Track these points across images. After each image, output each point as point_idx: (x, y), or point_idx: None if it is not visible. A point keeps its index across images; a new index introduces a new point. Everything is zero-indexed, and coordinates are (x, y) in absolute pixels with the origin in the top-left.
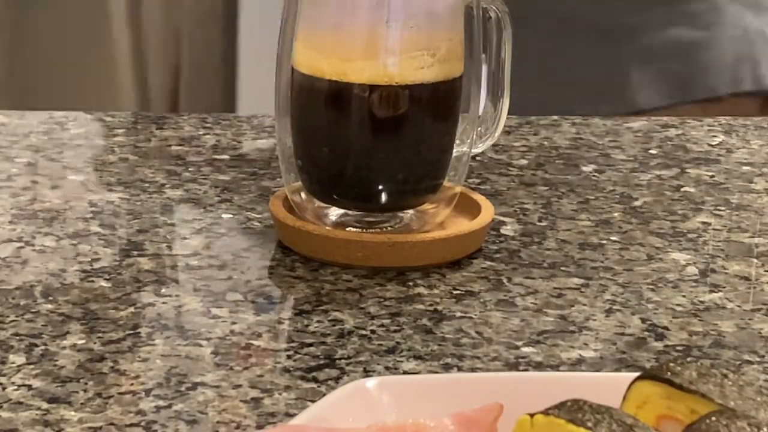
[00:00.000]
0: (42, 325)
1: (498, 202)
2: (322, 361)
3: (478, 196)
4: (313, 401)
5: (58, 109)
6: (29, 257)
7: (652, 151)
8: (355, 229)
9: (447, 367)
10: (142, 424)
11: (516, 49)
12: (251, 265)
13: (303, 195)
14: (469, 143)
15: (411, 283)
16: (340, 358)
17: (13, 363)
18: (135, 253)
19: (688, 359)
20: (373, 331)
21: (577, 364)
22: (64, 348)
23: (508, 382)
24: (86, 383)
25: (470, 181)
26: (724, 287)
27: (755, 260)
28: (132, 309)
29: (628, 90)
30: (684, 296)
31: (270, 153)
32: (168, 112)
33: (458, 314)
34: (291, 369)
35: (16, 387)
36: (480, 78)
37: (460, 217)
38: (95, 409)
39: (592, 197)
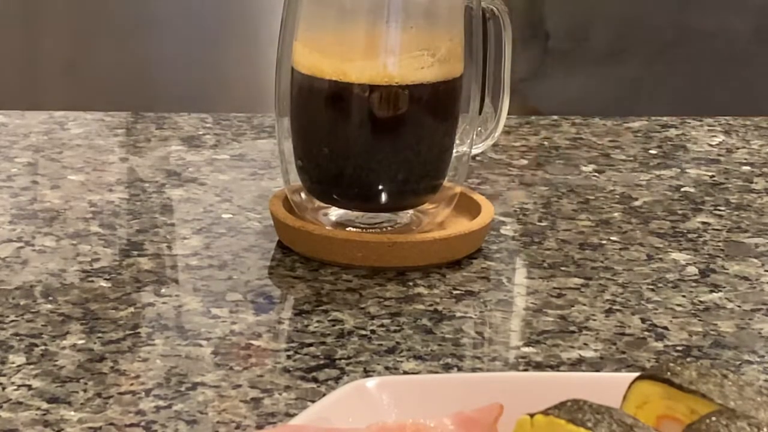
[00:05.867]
0: (42, 325)
1: (498, 202)
2: (322, 361)
3: (478, 196)
4: (313, 401)
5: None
6: (29, 257)
7: (652, 151)
8: (355, 229)
9: (447, 367)
10: (142, 424)
11: None
12: (251, 265)
13: (303, 195)
14: (469, 143)
15: (411, 283)
16: (340, 358)
17: (13, 363)
18: (135, 253)
19: (688, 359)
20: (373, 331)
21: (577, 364)
22: (64, 348)
23: (508, 382)
24: (86, 383)
25: (470, 181)
26: (724, 287)
27: (755, 260)
28: (132, 309)
29: None
30: (684, 296)
31: (270, 153)
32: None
33: (458, 314)
34: (291, 369)
35: (16, 387)
36: (480, 78)
37: (460, 217)
38: (95, 409)
39: (592, 197)
